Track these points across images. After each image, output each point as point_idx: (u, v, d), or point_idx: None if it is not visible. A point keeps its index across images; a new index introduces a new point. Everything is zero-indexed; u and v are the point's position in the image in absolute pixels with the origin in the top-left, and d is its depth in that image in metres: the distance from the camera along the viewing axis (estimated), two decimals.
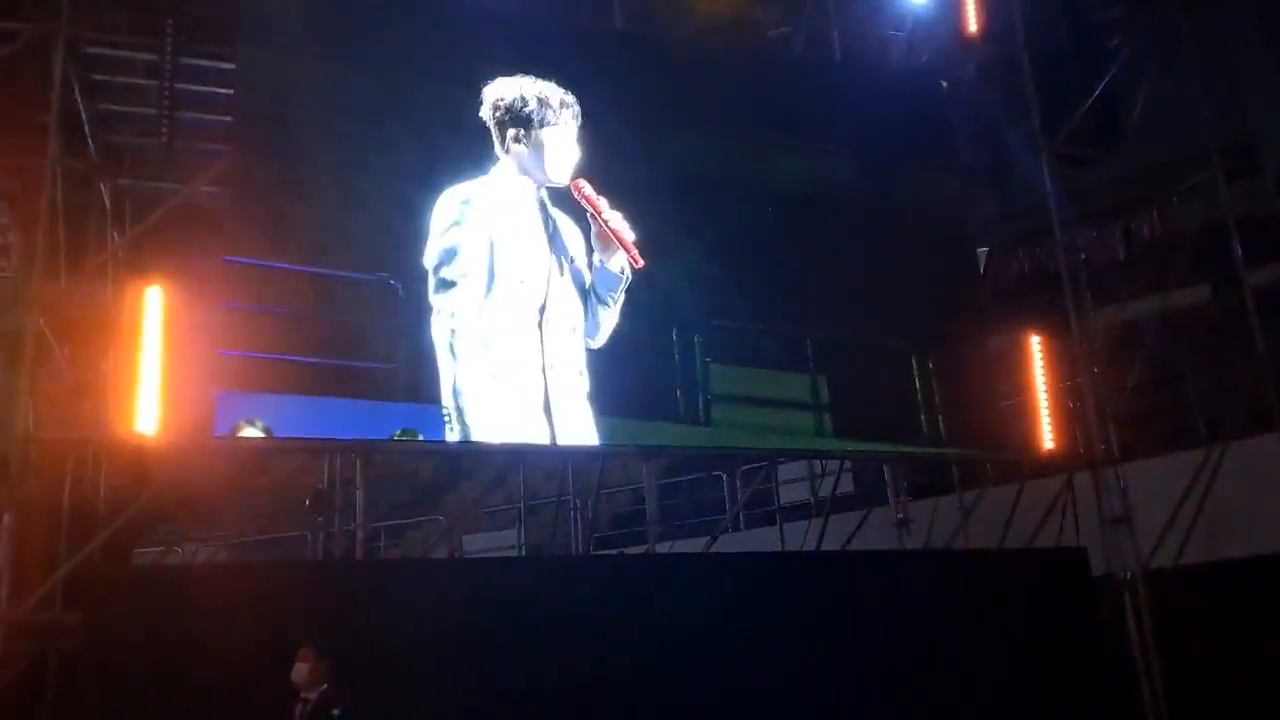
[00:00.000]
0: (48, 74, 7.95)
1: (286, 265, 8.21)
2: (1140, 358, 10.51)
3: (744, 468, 13.99)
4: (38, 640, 7.21)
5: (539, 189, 8.65)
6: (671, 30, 11.30)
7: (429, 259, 8.36)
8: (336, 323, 8.35)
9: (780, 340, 9.93)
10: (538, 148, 8.60)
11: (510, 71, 8.83)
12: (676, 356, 9.42)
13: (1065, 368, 10.38)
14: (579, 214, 8.67)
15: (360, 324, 8.38)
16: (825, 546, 11.00)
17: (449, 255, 8.32)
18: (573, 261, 8.73)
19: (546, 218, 8.65)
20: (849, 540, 11.02)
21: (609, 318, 8.85)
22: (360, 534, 8.28)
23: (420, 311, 8.32)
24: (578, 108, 8.79)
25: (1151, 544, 9.57)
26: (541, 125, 8.62)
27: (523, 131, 8.60)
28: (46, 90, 7.96)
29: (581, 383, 8.65)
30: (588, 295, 8.76)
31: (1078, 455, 10.08)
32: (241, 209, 8.24)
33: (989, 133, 11.22)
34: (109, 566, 7.84)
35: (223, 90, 8.52)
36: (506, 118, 8.60)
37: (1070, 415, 10.30)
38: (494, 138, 8.68)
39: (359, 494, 8.16)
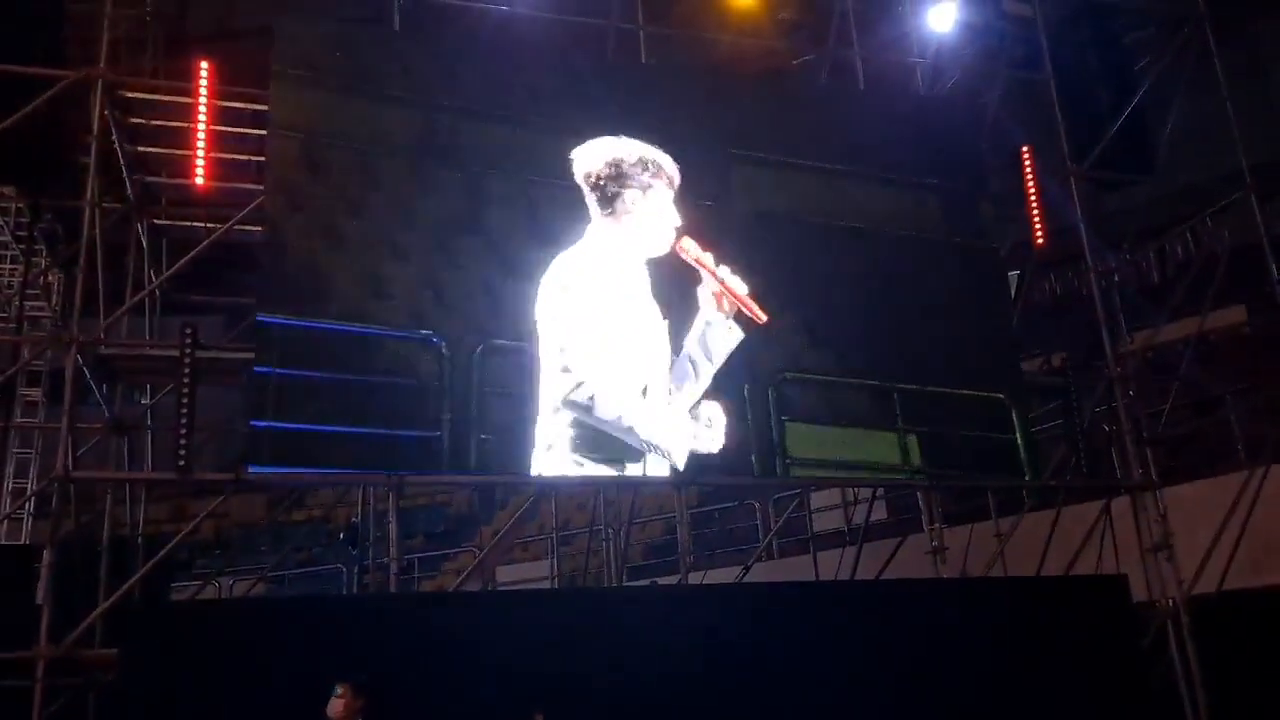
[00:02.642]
0: (87, 117, 8.15)
1: (320, 325, 7.84)
2: (1176, 381, 10.38)
3: (777, 496, 13.92)
4: (78, 676, 7.29)
5: (640, 258, 8.43)
6: (696, 63, 11.38)
7: (547, 331, 8.15)
8: (375, 387, 7.87)
9: (863, 394, 9.24)
10: (636, 214, 8.40)
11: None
12: (749, 416, 8.81)
13: (1100, 393, 10.26)
14: (678, 272, 8.42)
15: (401, 388, 7.89)
16: (859, 575, 10.90)
17: (565, 336, 8.11)
18: (670, 325, 8.46)
19: (648, 286, 8.41)
20: (883, 569, 10.92)
21: (706, 378, 8.51)
22: (394, 567, 8.28)
23: (466, 371, 7.98)
24: (676, 171, 8.56)
25: (1193, 570, 9.41)
26: (641, 189, 8.43)
27: (621, 196, 8.40)
28: (86, 133, 8.15)
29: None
30: (682, 357, 8.45)
31: (1115, 481, 9.94)
32: (275, 260, 7.97)
33: (1017, 157, 11.17)
34: (147, 602, 7.92)
35: (256, 131, 8.67)
36: (603, 181, 8.40)
37: (1106, 440, 10.17)
38: (589, 200, 8.44)
39: (392, 526, 8.17)
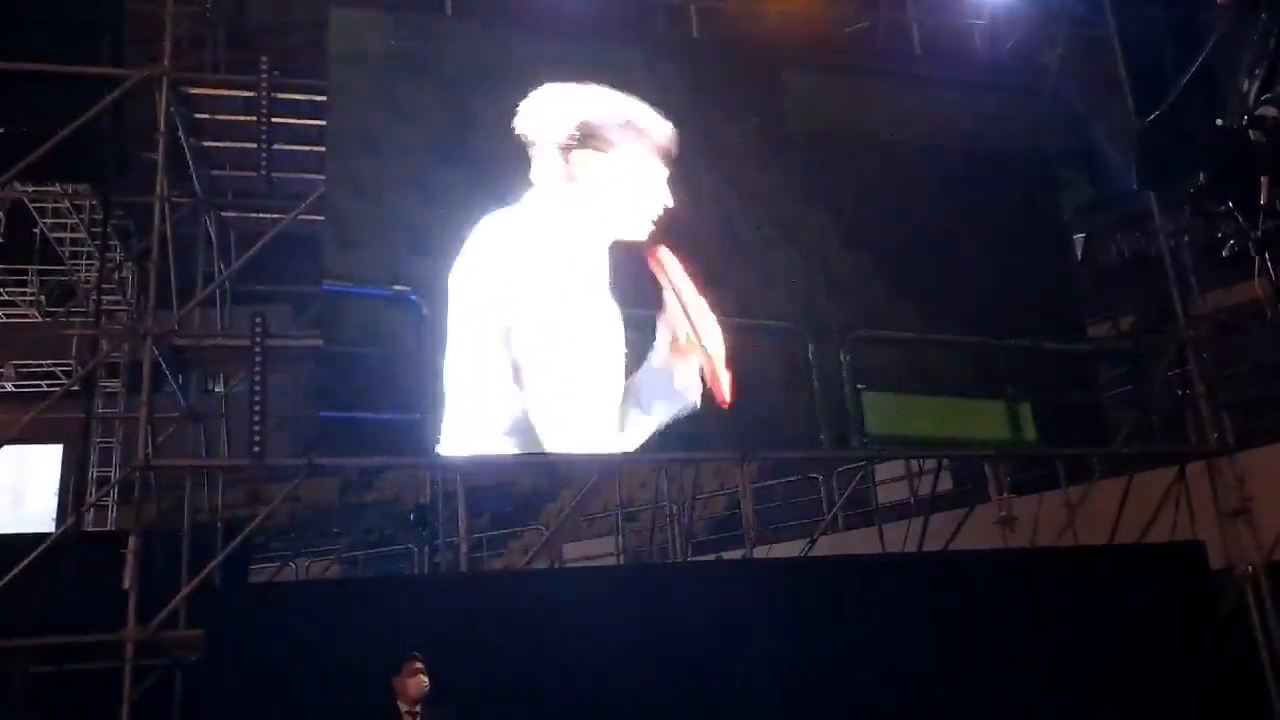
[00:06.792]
0: (154, 115, 8.34)
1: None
2: (1251, 342, 10.10)
3: (840, 469, 13.84)
4: (164, 656, 7.56)
5: (603, 240, 6.91)
6: (747, 34, 11.21)
7: (486, 306, 6.72)
8: (349, 356, 6.87)
9: (956, 354, 7.65)
10: (612, 183, 6.84)
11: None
12: (816, 383, 7.38)
13: (1172, 356, 10.02)
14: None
15: (373, 358, 6.74)
16: (926, 547, 10.81)
17: (513, 321, 6.77)
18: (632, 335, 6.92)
19: (608, 278, 6.93)
20: (951, 540, 10.81)
21: (644, 427, 6.86)
22: (464, 546, 8.42)
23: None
24: (668, 135, 6.93)
25: (1273, 536, 9.18)
26: (621, 153, 6.85)
27: (594, 159, 6.79)
28: (153, 131, 8.36)
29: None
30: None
31: (1190, 447, 9.73)
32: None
33: (1079, 117, 10.88)
34: (228, 584, 8.17)
35: (316, 122, 8.79)
36: (572, 137, 6.80)
37: (1179, 405, 9.94)
38: (547, 159, 6.84)
39: (461, 507, 8.31)
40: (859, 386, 7.48)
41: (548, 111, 6.93)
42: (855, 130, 8.11)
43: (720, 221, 7.24)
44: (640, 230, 6.93)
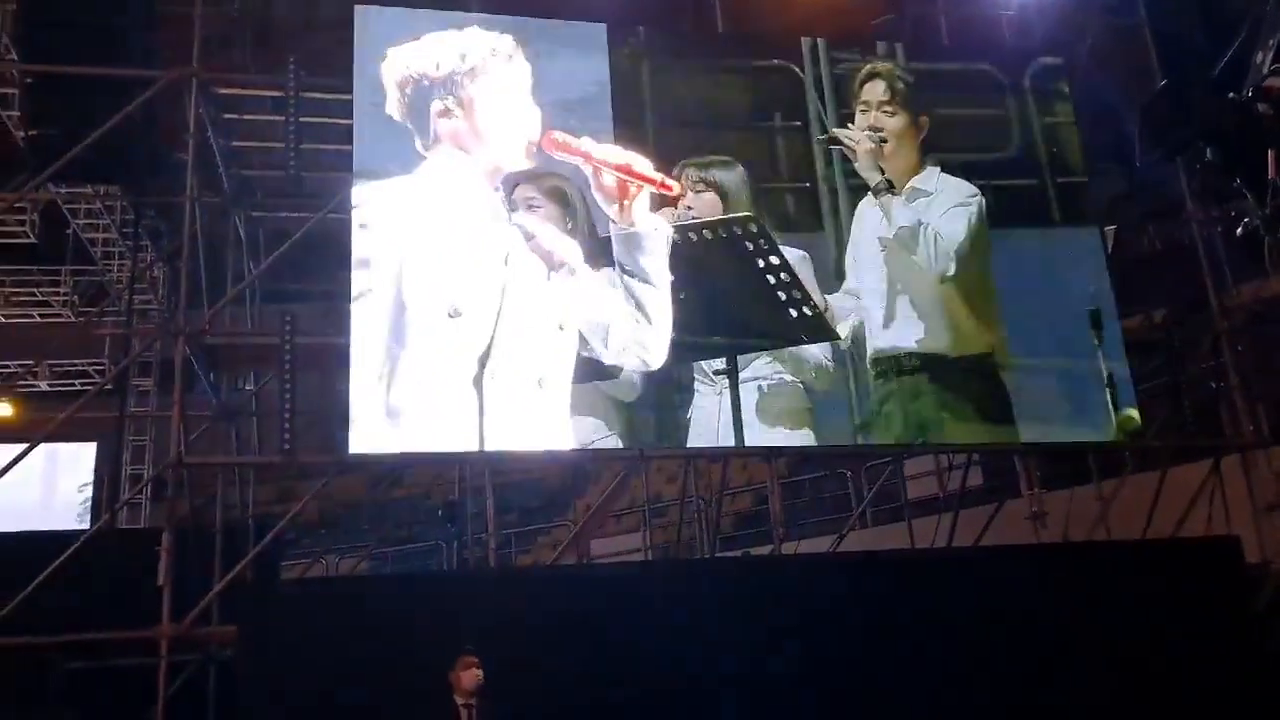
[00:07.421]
0: (183, 115, 8.41)
1: None
2: None
3: (869, 464, 13.77)
4: (198, 652, 7.64)
5: (496, 188, 6.84)
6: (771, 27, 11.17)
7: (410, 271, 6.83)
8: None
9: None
10: (476, 117, 6.63)
11: None
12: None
13: (1206, 348, 9.89)
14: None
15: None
16: (956, 543, 10.73)
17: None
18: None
19: (508, 226, 6.82)
20: (981, 535, 10.73)
21: (657, 303, 6.71)
22: (492, 542, 8.45)
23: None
24: (519, 52, 6.69)
25: None
26: (474, 83, 6.61)
27: (451, 101, 6.61)
28: (183, 131, 8.42)
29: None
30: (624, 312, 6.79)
31: (1224, 440, 9.60)
32: None
33: (1110, 107, 10.76)
34: (260, 580, 8.24)
35: (344, 121, 8.83)
36: (422, 90, 6.66)
37: (1214, 398, 9.82)
38: (413, 132, 6.82)
39: (489, 503, 8.35)
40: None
41: (389, 82, 6.91)
42: None
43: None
44: (518, 156, 6.79)
